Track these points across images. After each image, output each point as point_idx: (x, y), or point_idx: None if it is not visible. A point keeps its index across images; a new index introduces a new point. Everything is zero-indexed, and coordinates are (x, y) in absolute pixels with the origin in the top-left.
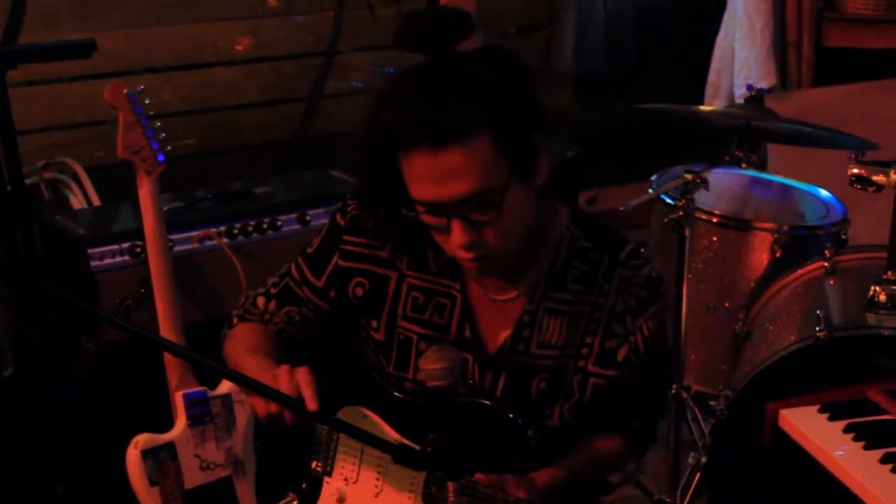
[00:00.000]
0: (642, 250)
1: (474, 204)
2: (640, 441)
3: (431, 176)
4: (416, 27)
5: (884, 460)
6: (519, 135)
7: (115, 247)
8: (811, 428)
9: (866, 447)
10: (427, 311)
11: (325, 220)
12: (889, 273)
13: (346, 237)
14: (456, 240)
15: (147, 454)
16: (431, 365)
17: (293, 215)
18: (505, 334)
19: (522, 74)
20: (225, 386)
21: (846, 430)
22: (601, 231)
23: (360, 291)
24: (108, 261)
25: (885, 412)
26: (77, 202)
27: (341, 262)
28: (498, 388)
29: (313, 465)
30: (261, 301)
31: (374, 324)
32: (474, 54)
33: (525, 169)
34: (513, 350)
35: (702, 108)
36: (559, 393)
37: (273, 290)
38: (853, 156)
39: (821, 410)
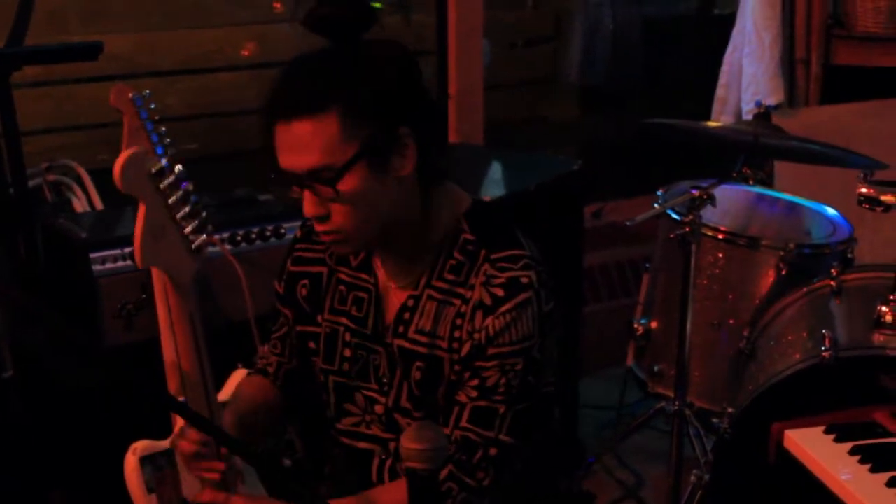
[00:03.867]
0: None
1: (316, 178)
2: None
3: (285, 146)
4: (319, 13)
5: (890, 483)
6: (376, 124)
7: (118, 251)
8: (817, 449)
9: (872, 470)
10: (348, 304)
11: None
12: None
13: (297, 245)
14: (305, 210)
15: (145, 461)
16: (411, 444)
17: (296, 223)
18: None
19: (408, 71)
20: (225, 394)
21: (852, 453)
22: (490, 228)
23: (304, 292)
24: (109, 265)
25: (891, 435)
26: (80, 205)
27: (291, 268)
28: (395, 377)
29: None
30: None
31: (319, 319)
32: (371, 44)
33: (377, 159)
34: (395, 333)
35: (709, 123)
36: (436, 384)
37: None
38: (862, 175)
39: (826, 432)
